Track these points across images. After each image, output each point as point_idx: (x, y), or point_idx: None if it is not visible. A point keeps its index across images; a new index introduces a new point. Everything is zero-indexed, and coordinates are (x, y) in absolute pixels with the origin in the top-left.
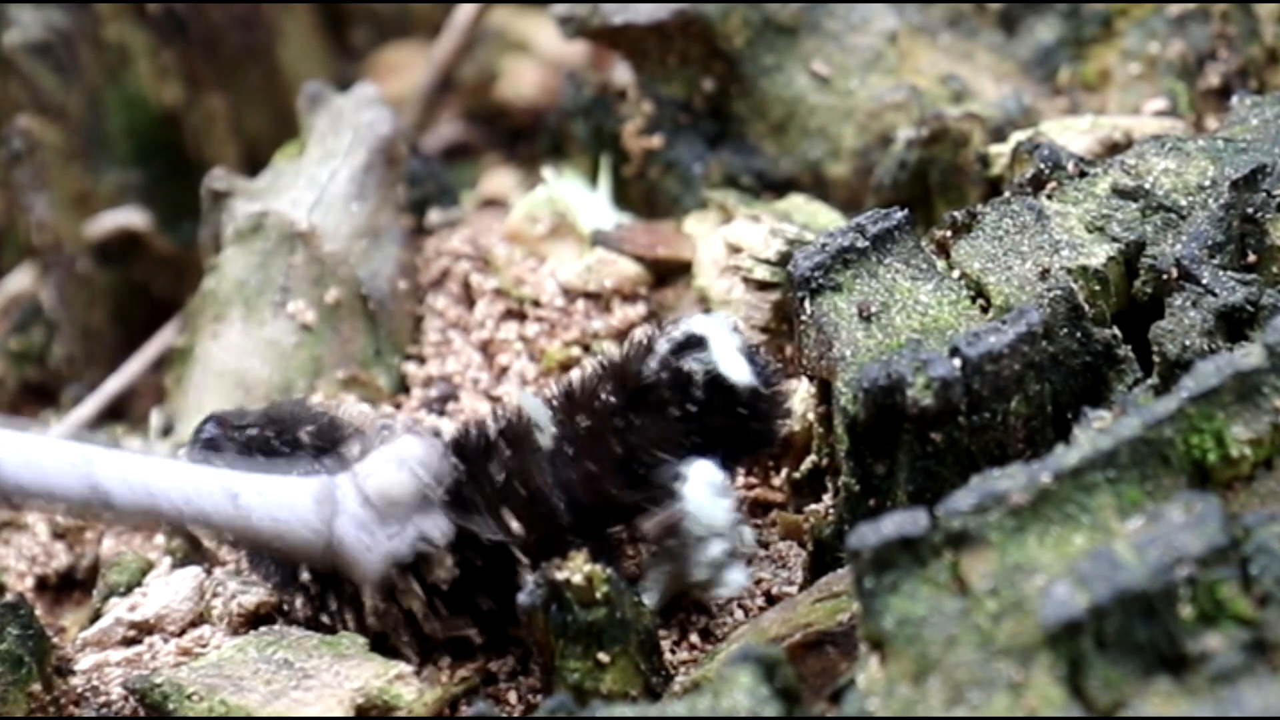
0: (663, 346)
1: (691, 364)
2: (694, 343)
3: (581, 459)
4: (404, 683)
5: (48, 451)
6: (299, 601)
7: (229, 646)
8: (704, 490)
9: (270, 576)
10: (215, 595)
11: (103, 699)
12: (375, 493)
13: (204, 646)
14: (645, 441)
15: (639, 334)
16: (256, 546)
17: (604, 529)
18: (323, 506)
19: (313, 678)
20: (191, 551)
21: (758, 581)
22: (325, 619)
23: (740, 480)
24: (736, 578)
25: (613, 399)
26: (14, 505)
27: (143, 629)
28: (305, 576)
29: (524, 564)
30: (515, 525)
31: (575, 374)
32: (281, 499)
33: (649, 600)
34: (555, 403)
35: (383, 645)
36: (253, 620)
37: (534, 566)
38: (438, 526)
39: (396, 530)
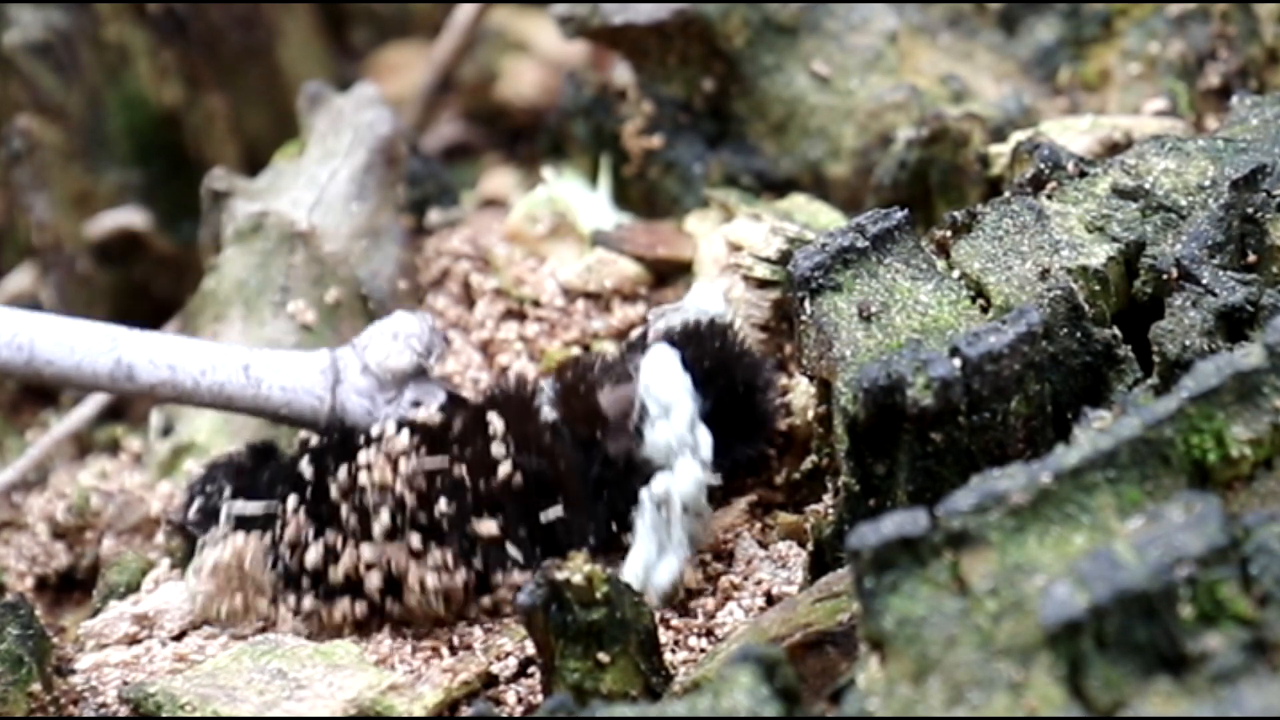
0: (651, 317)
1: (675, 322)
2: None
3: (566, 394)
4: (397, 693)
5: (78, 330)
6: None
7: (224, 656)
8: (658, 365)
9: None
10: None
11: (100, 699)
12: (374, 362)
13: (200, 653)
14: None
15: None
16: (267, 414)
17: (591, 446)
18: (326, 376)
19: (306, 688)
20: (191, 552)
21: (758, 582)
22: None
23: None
24: (690, 469)
25: (601, 358)
26: (44, 381)
27: (144, 622)
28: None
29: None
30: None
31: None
32: (289, 369)
33: (643, 554)
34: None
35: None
36: None
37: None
38: (432, 394)
39: (394, 396)
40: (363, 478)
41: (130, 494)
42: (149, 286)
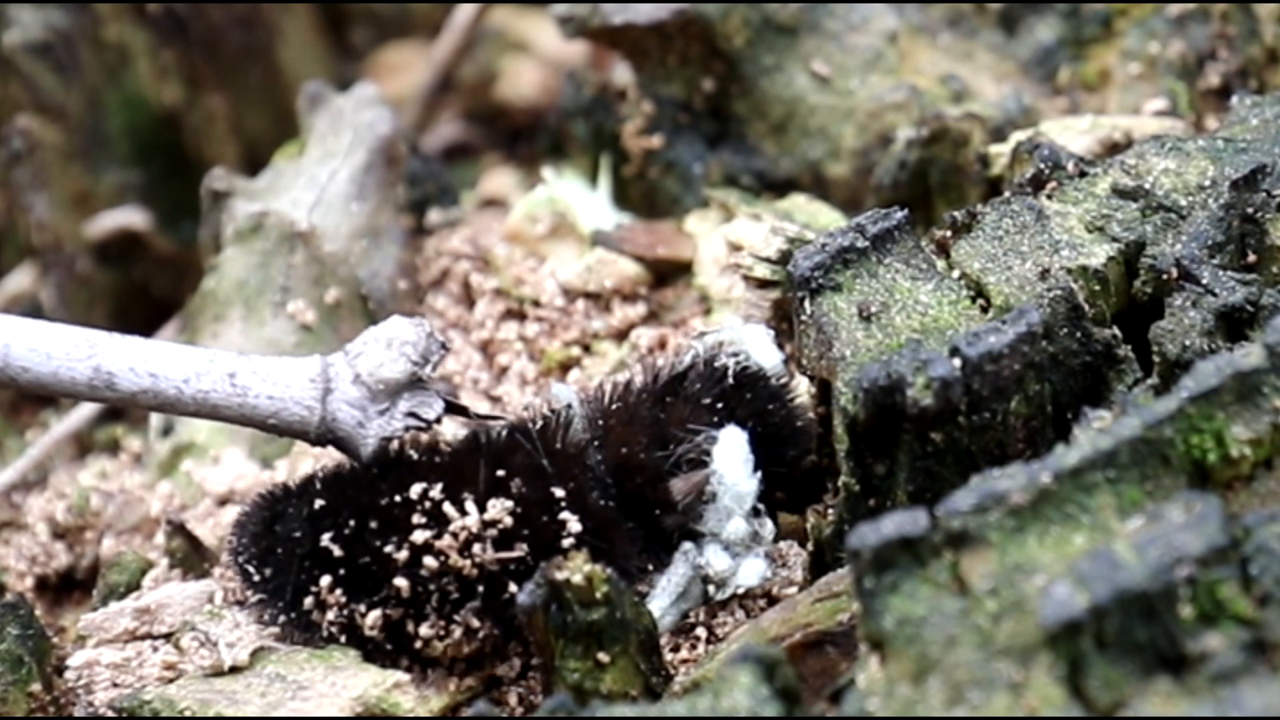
0: (698, 345)
1: (724, 359)
2: (727, 343)
3: (614, 444)
4: (402, 690)
5: (54, 336)
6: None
7: None
8: (733, 453)
9: (270, 596)
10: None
11: (91, 698)
12: (366, 372)
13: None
14: (676, 419)
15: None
16: (254, 424)
17: (641, 509)
18: (316, 385)
19: (308, 689)
20: (191, 552)
21: None
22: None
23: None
24: (756, 566)
25: (645, 390)
26: (20, 388)
27: (145, 616)
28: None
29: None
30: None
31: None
32: (277, 378)
33: (659, 603)
34: (587, 399)
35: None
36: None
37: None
38: (428, 405)
39: (387, 407)
40: (429, 561)
41: (130, 494)
42: (149, 286)
